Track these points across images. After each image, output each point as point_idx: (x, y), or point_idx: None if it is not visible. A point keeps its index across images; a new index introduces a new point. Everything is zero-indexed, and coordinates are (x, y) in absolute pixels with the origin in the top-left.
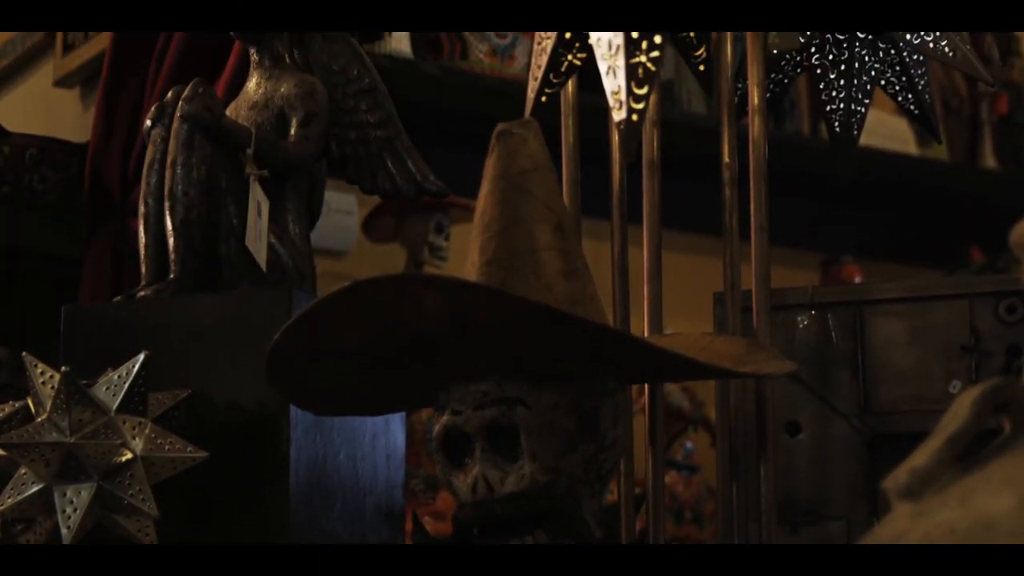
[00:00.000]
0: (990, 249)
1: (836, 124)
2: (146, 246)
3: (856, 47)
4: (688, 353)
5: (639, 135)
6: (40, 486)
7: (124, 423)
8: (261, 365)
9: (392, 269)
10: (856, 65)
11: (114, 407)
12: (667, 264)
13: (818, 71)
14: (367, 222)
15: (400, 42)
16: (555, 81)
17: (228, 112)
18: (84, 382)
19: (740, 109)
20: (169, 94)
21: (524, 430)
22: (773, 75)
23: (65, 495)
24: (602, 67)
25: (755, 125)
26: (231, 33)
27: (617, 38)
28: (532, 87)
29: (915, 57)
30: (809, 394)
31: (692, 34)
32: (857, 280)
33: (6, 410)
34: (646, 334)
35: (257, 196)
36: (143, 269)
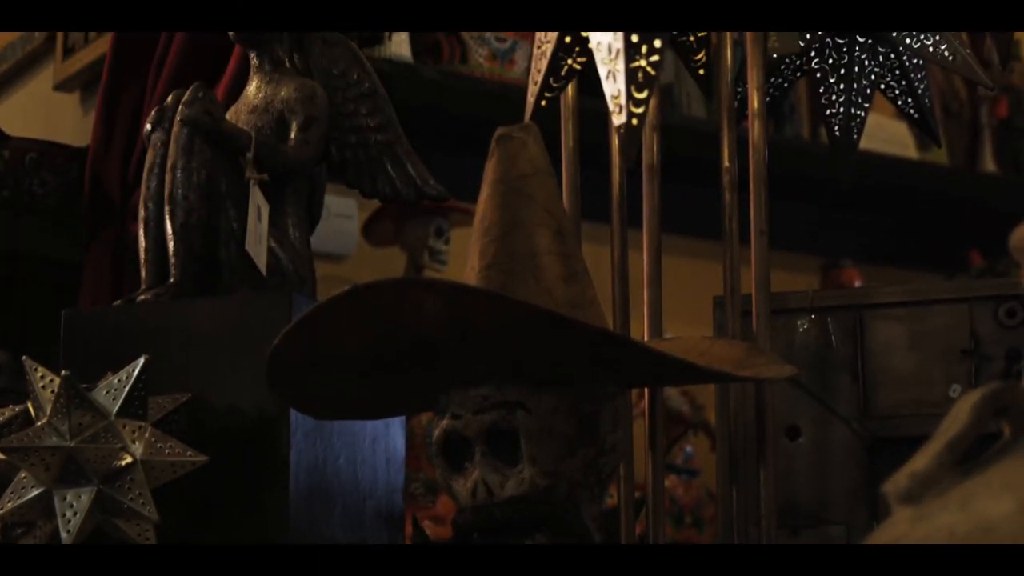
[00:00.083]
0: (990, 253)
1: (836, 128)
2: (146, 250)
3: (856, 51)
4: (688, 357)
5: (639, 139)
6: (40, 490)
7: (124, 427)
8: (261, 369)
9: (392, 273)
10: (856, 69)
11: (114, 411)
12: (667, 268)
13: (818, 75)
14: (367, 226)
15: (400, 46)
16: (555, 85)
17: (228, 116)
18: (84, 386)
19: (740, 113)
20: (169, 98)
21: (524, 434)
22: (773, 79)
23: (65, 499)
24: (602, 71)
25: (755, 129)
26: (231, 36)
27: (617, 42)
28: (532, 91)
29: (915, 61)
30: (809, 398)
31: (692, 38)
32: (857, 284)
33: (6, 414)
34: (646, 338)
35: (257, 200)
36: (143, 273)
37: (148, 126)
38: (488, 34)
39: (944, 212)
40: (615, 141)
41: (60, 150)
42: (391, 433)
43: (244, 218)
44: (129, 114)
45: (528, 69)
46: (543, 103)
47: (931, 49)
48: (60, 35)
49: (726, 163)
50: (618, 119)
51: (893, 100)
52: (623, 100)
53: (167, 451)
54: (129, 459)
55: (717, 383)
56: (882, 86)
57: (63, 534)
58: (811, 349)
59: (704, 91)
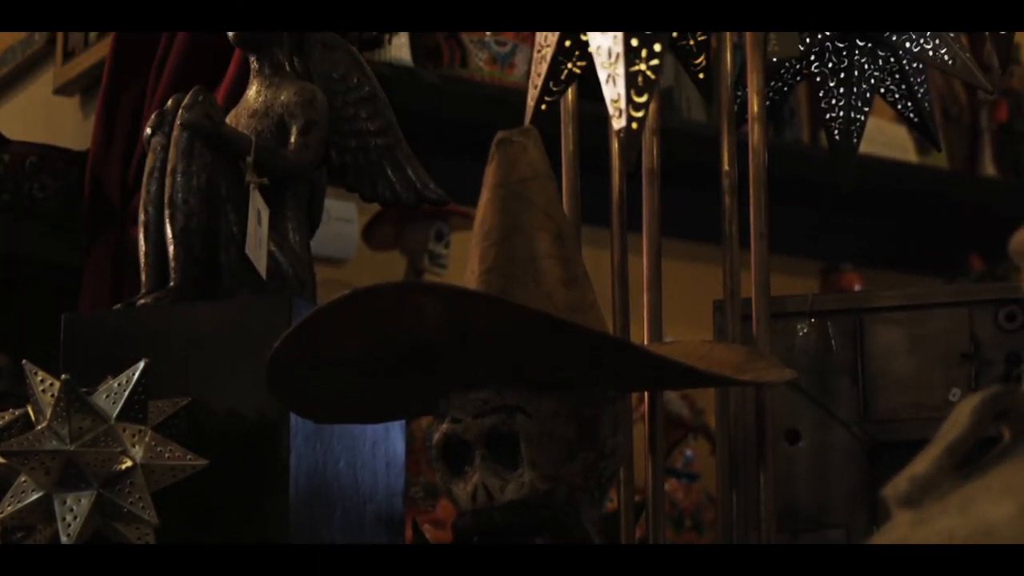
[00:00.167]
0: (990, 257)
1: (836, 132)
2: (146, 254)
3: (856, 55)
4: (688, 361)
5: (639, 143)
6: (40, 494)
7: (124, 431)
8: (261, 373)
9: (392, 277)
10: (856, 73)
11: (114, 415)
12: (667, 272)
13: (818, 79)
14: (367, 230)
15: (400, 50)
16: (555, 89)
17: (228, 120)
18: (84, 390)
19: (740, 117)
20: (169, 102)
21: (524, 438)
22: (773, 83)
23: (65, 503)
24: (602, 75)
25: (755, 133)
26: (231, 39)
27: (617, 46)
28: (532, 95)
29: (914, 65)
30: (809, 402)
31: (691, 42)
32: (857, 288)
33: (6, 418)
34: (646, 342)
35: (257, 204)
36: (143, 277)
37: (148, 130)
38: (488, 38)
39: (944, 216)
40: (615, 145)
41: (60, 154)
42: (391, 437)
43: (244, 222)
44: (129, 118)
45: (528, 73)
46: (543, 107)
47: (931, 53)
48: (60, 39)
49: (726, 167)
50: (618, 123)
51: (893, 104)
52: (623, 104)
53: (167, 455)
54: (129, 463)
55: (717, 387)
56: (882, 90)
57: (63, 538)
58: (811, 353)
59: (704, 95)
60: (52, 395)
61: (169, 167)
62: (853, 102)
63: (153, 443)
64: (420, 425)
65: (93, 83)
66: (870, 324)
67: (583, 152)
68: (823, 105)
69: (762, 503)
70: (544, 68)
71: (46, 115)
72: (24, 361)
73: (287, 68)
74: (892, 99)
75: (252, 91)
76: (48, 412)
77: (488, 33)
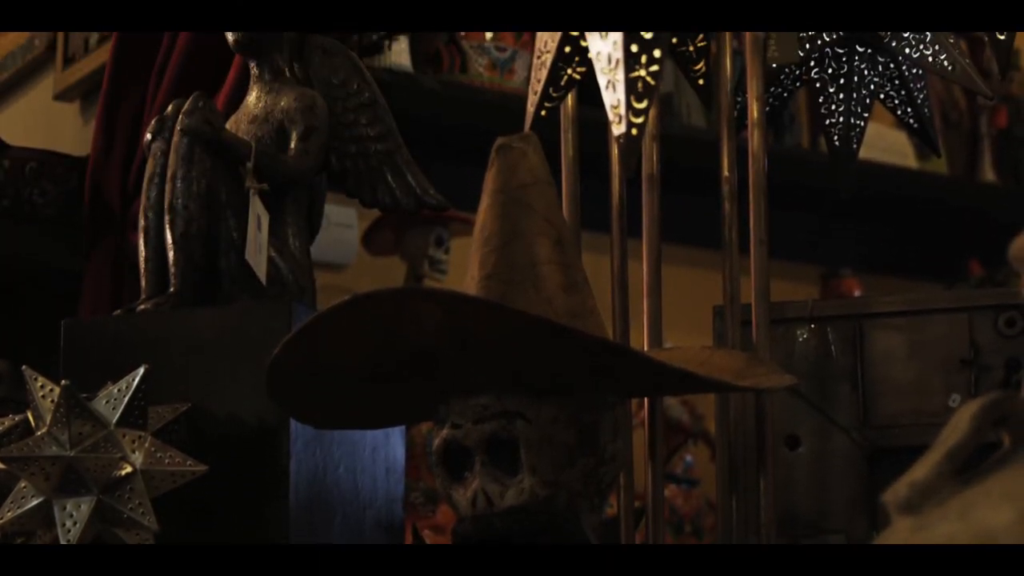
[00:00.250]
0: (989, 262)
1: (835, 138)
2: (146, 259)
3: (855, 61)
4: (688, 367)
5: (639, 149)
6: (40, 500)
7: (124, 437)
8: (261, 379)
9: (392, 282)
10: (855, 79)
11: (114, 421)
12: (667, 278)
13: (817, 85)
14: (367, 235)
15: (400, 56)
16: (555, 95)
17: (228, 126)
18: (84, 395)
19: (739, 123)
20: (169, 107)
21: (524, 444)
22: (772, 89)
23: (65, 509)
24: (601, 81)
25: (754, 139)
26: (231, 45)
27: (616, 52)
28: (532, 101)
29: (914, 71)
30: (809, 408)
31: (691, 48)
32: (856, 294)
33: (6, 423)
34: (646, 348)
35: (257, 210)
36: (143, 283)
37: (148, 135)
38: (488, 43)
39: (943, 221)
40: (615, 151)
41: (60, 159)
42: (391, 442)
43: (244, 228)
44: (129, 123)
45: (528, 79)
46: (543, 113)
47: (930, 59)
48: (60, 44)
49: (726, 173)
50: (618, 129)
51: (892, 110)
52: (623, 110)
53: (167, 460)
54: (129, 469)
55: (717, 393)
56: (881, 96)
57: (63, 543)
58: (811, 359)
59: (704, 101)
60: (52, 401)
61: (169, 173)
62: (853, 108)
63: (153, 449)
64: (420, 431)
65: (93, 89)
66: (870, 330)
67: (583, 158)
68: (823, 111)
69: (762, 508)
70: (544, 74)
71: (46, 120)
72: (24, 367)
73: (287, 74)
74: (892, 105)
75: (252, 97)
76: (48, 418)
77: (488, 39)
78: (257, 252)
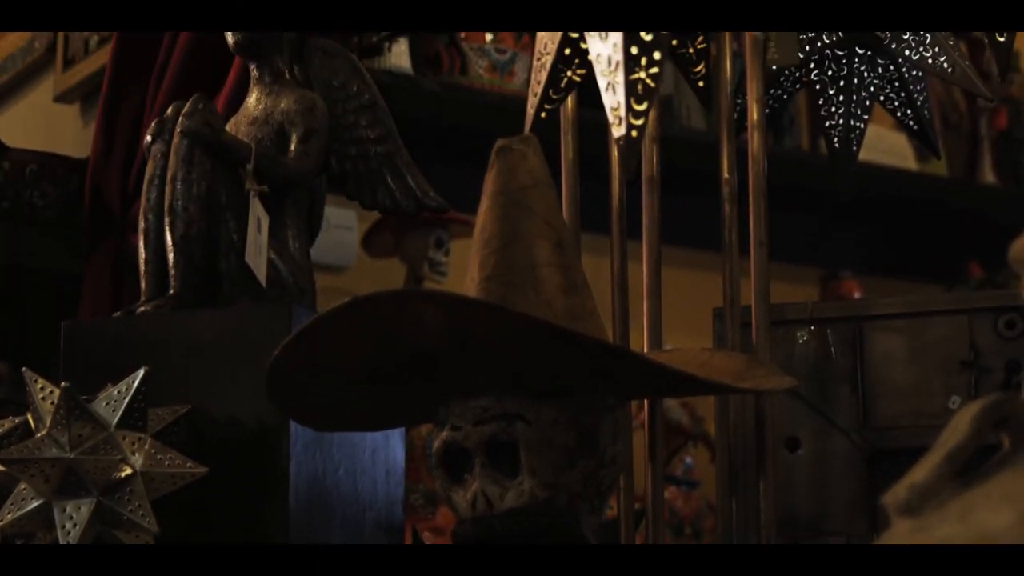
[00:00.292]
0: (989, 264)
1: (835, 140)
2: (146, 261)
3: (855, 63)
4: (687, 369)
5: (638, 151)
6: (40, 501)
7: (124, 438)
8: (261, 381)
9: (392, 284)
10: (855, 81)
11: (114, 422)
12: (666, 280)
13: (817, 87)
14: (367, 237)
15: (400, 58)
16: (555, 97)
17: (228, 128)
18: (84, 397)
19: (739, 125)
20: (169, 109)
21: (524, 446)
22: (772, 91)
23: (65, 511)
24: (601, 83)
25: (754, 141)
26: (231, 47)
27: (616, 54)
28: (532, 103)
29: (914, 73)
30: (808, 410)
31: (691, 50)
32: (856, 295)
33: (6, 425)
34: (646, 350)
35: (257, 211)
36: (143, 284)
37: (148, 137)
38: (488, 46)
39: (943, 223)
40: (615, 153)
41: (60, 161)
42: (391, 444)
43: (244, 230)
44: (129, 125)
45: (528, 81)
46: (543, 115)
47: (930, 61)
48: (60, 47)
49: (726, 175)
50: (618, 131)
51: (892, 112)
52: (623, 112)
53: (167, 462)
54: (129, 470)
55: (717, 395)
56: (881, 98)
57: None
58: (810, 361)
59: (703, 103)
60: (52, 403)
61: (169, 175)
62: (853, 110)
63: (153, 451)
64: (420, 433)
65: (93, 91)
66: (870, 332)
67: (583, 160)
68: (823, 113)
69: (762, 510)
70: (544, 76)
71: (46, 123)
72: (24, 368)
73: (287, 76)
74: (892, 107)
75: (252, 99)
76: (48, 420)
77: (488, 41)
78: (257, 254)
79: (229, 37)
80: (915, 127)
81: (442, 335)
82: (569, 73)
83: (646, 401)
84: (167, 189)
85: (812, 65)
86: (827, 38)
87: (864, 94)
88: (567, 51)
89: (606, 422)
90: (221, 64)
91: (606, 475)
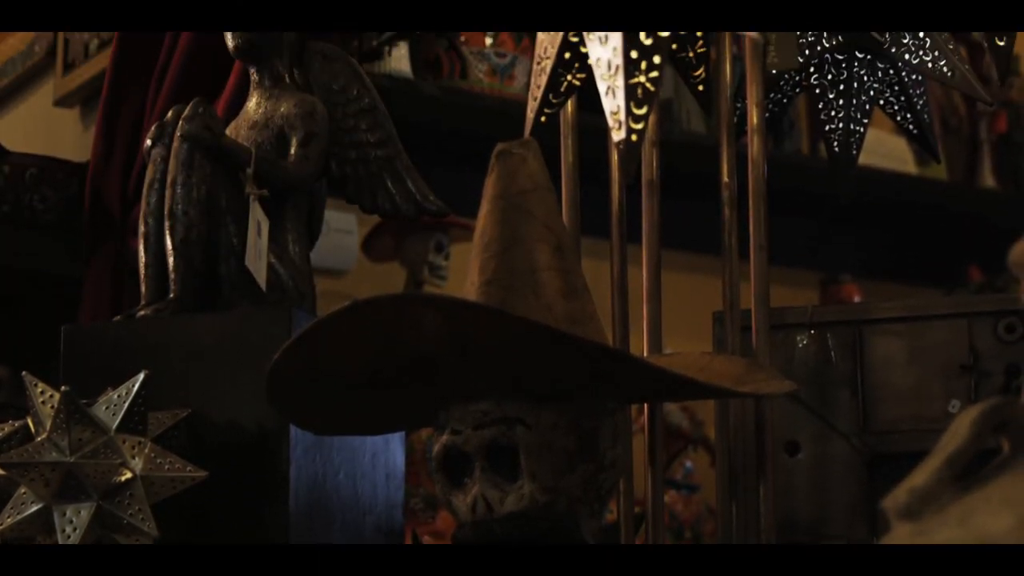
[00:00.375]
0: (989, 268)
1: (835, 144)
2: (146, 265)
3: (855, 67)
4: (687, 373)
5: (638, 155)
6: (40, 505)
7: (124, 442)
8: (261, 385)
9: (392, 288)
10: (855, 85)
11: (114, 426)
12: (666, 283)
13: (817, 91)
14: (367, 241)
15: (400, 62)
16: (555, 101)
17: (228, 132)
18: (84, 401)
19: (739, 129)
20: (169, 114)
21: (524, 450)
22: (772, 95)
23: (65, 514)
24: (601, 87)
25: (754, 145)
26: (231, 51)
27: (616, 58)
28: (532, 107)
29: (914, 77)
30: (808, 414)
31: (691, 54)
32: (856, 299)
33: (6, 429)
34: (645, 353)
35: (257, 216)
36: (143, 288)
37: (148, 141)
38: (488, 49)
39: (943, 227)
40: (614, 157)
41: (60, 165)
42: (391, 448)
43: (244, 233)
44: (129, 129)
45: (528, 85)
46: (543, 119)
47: (930, 65)
48: (60, 50)
49: (725, 178)
50: (617, 135)
51: (892, 115)
52: (622, 116)
53: (167, 466)
54: (129, 474)
55: (717, 399)
56: (881, 102)
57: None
58: (810, 364)
59: (703, 107)
60: (52, 407)
61: (169, 179)
62: (852, 114)
63: (153, 455)
64: (420, 437)
65: (93, 95)
66: (869, 335)
67: (583, 164)
68: (822, 117)
69: (762, 514)
70: (544, 80)
71: (46, 127)
72: (24, 373)
73: (287, 80)
74: (891, 111)
75: (252, 103)
76: (48, 424)
77: (488, 45)
78: (257, 258)
79: (229, 41)
80: (915, 131)
81: (442, 339)
82: (569, 77)
83: (646, 405)
84: (167, 193)
85: (812, 69)
86: (827, 42)
87: (864, 98)
88: (567, 55)
89: (606, 426)
90: (221, 68)
91: (606, 479)
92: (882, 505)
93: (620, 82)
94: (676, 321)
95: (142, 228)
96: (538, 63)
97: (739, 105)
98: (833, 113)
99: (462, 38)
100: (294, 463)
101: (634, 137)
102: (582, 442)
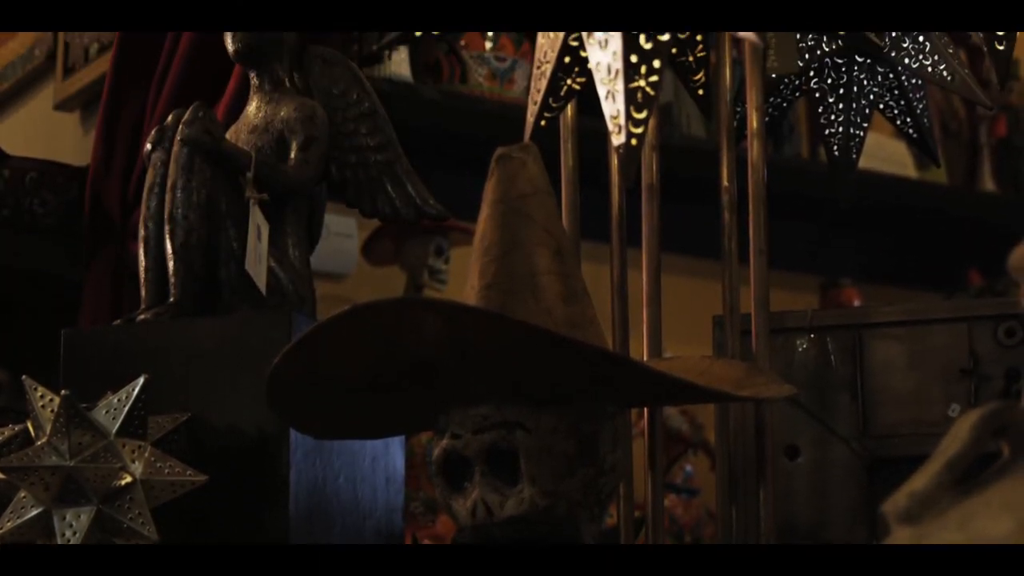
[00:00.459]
0: (989, 272)
1: (835, 148)
2: (146, 269)
3: (855, 71)
4: (687, 377)
5: (638, 159)
6: (39, 510)
7: (124, 446)
8: (261, 389)
9: (392, 292)
10: (855, 89)
11: (114, 430)
12: (666, 287)
13: (817, 95)
14: (367, 245)
15: (400, 66)
16: (554, 105)
17: (228, 136)
18: (84, 405)
19: (739, 133)
20: (169, 117)
21: (523, 454)
22: (772, 99)
23: (64, 519)
24: (601, 91)
25: (754, 149)
26: (231, 55)
27: (616, 62)
28: (531, 111)
29: (913, 81)
30: (808, 418)
31: (691, 58)
32: (856, 303)
33: (6, 433)
34: (645, 357)
35: (257, 220)
36: (143, 292)
37: (148, 145)
38: (488, 53)
39: (943, 231)
40: (614, 161)
41: (60, 169)
42: (391, 452)
43: (244, 238)
44: (129, 133)
45: (528, 89)
46: (543, 123)
47: (930, 69)
48: (60, 54)
49: (725, 183)
50: (617, 139)
51: (892, 120)
52: (622, 120)
53: (167, 470)
54: (129, 478)
55: (717, 402)
56: (881, 106)
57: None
58: (810, 368)
59: (703, 111)
60: (52, 410)
61: (169, 183)
62: (852, 118)
63: (153, 459)
64: (420, 440)
65: (93, 99)
66: (869, 339)
67: (582, 168)
68: (822, 121)
69: (762, 518)
70: (544, 84)
71: (46, 131)
72: (24, 376)
73: (287, 84)
74: (891, 115)
75: (252, 107)
76: (48, 428)
77: (488, 49)
78: (257, 262)
79: (229, 45)
80: (914, 135)
81: (442, 343)
82: (569, 81)
83: (646, 409)
84: (167, 197)
85: (812, 73)
86: (827, 46)
87: (864, 102)
88: (567, 59)
89: (606, 430)
90: (221, 72)
91: (606, 483)
92: (882, 509)
93: (620, 86)
94: (676, 325)
95: (142, 232)
96: (538, 67)
97: (739, 109)
98: (833, 117)
99: (462, 42)
100: (294, 467)
101: (634, 141)
102: (582, 446)
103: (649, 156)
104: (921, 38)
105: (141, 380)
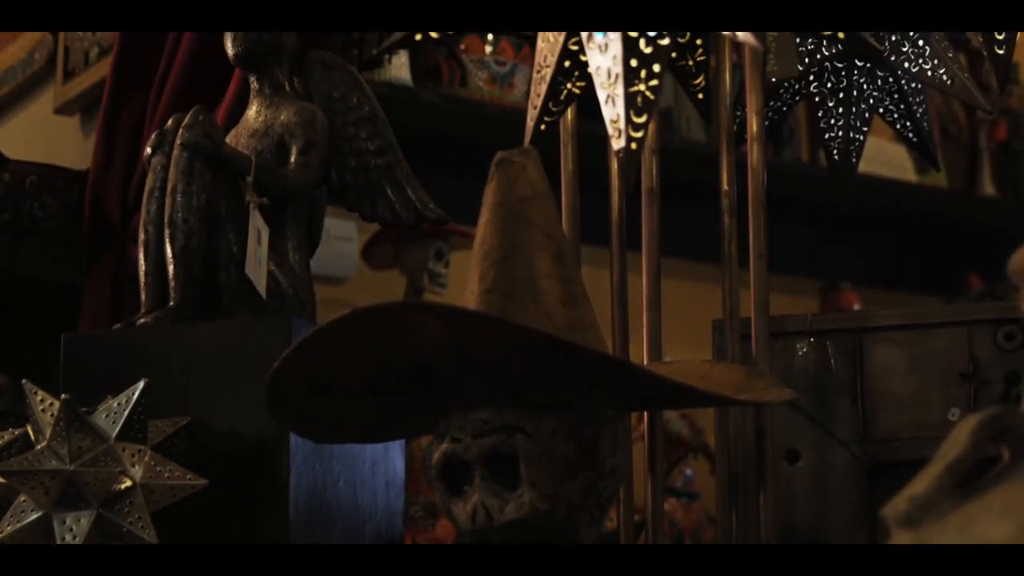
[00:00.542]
0: (989, 276)
1: (835, 152)
2: (146, 273)
3: (855, 75)
4: (687, 381)
5: (638, 163)
6: (39, 514)
7: (124, 450)
8: (261, 393)
9: (392, 296)
10: (855, 93)
11: (114, 435)
12: (666, 291)
13: (817, 99)
14: (367, 249)
15: (400, 70)
16: (554, 109)
17: (228, 140)
18: (84, 409)
19: (739, 137)
20: (169, 122)
21: (523, 458)
22: (772, 103)
23: (64, 523)
24: (601, 95)
25: (754, 153)
26: (231, 59)
27: (616, 67)
28: (531, 115)
29: (913, 85)
30: (808, 422)
31: (691, 62)
32: (856, 307)
33: (6, 437)
34: (645, 361)
35: (257, 224)
36: (143, 296)
37: (148, 149)
38: (488, 57)
39: (943, 235)
40: (614, 165)
41: (60, 173)
42: (391, 456)
43: (244, 241)
44: (129, 138)
45: (527, 93)
46: (542, 127)
47: (929, 73)
48: (60, 58)
49: (725, 186)
50: (617, 143)
51: (892, 124)
52: (622, 124)
53: (167, 474)
54: (129, 483)
55: (717, 406)
56: (881, 110)
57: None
58: (810, 372)
59: (703, 115)
60: (52, 415)
61: (169, 187)
62: (852, 122)
63: (153, 463)
64: (420, 444)
65: (93, 103)
66: (869, 343)
67: (582, 172)
68: (822, 125)
69: (762, 522)
70: (543, 88)
71: (46, 134)
72: (24, 380)
73: (287, 88)
74: (891, 119)
75: (252, 111)
76: (48, 432)
77: (488, 53)
78: (257, 266)
79: (229, 49)
80: (914, 139)
81: (442, 347)
82: (569, 85)
83: (646, 413)
84: (167, 201)
85: (811, 77)
86: (826, 50)
87: (863, 106)
88: (567, 63)
89: (606, 434)
90: (221, 76)
91: (606, 487)
92: (882, 513)
93: (620, 90)
94: (676, 329)
95: (142, 236)
96: (538, 71)
97: (739, 113)
98: (833, 121)
99: (462, 46)
100: (294, 471)
101: (634, 145)
102: (582, 450)
103: (649, 160)
104: (921, 42)
105: (141, 384)
